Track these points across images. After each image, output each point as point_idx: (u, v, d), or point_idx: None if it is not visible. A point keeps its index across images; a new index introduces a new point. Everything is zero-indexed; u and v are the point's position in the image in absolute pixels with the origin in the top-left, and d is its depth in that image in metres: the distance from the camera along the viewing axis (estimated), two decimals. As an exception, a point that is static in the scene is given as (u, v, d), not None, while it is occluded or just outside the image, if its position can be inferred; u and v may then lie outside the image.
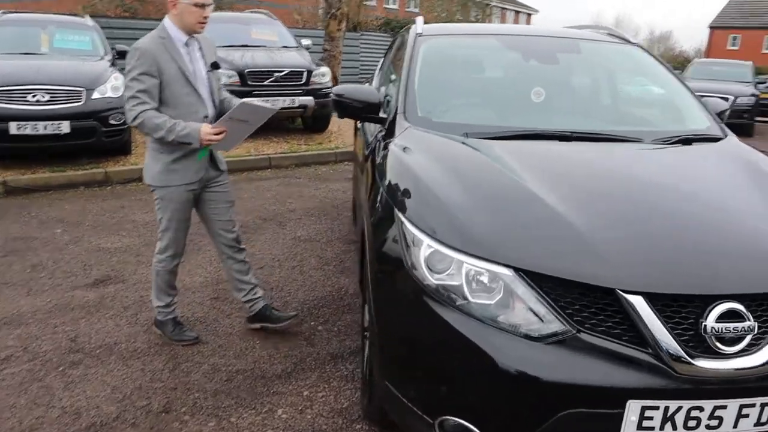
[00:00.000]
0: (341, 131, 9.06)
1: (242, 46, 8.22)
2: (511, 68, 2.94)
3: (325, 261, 4.10)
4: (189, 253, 4.06)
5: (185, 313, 3.25)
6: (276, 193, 5.89)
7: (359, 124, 3.47)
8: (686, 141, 2.45)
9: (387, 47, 4.72)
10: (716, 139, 2.52)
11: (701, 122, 2.66)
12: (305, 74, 7.89)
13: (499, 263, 1.63)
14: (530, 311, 1.58)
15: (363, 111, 2.77)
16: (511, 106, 2.72)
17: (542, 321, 1.57)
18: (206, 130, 2.58)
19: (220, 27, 8.54)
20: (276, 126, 8.88)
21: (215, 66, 2.82)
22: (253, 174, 6.72)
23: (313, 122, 8.56)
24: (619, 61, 3.06)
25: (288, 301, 3.44)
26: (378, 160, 2.48)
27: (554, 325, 1.56)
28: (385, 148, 2.46)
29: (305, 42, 9.24)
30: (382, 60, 4.70)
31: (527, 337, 1.57)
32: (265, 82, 7.56)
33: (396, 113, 2.64)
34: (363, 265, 2.68)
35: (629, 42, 3.17)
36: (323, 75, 8.16)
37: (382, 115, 2.77)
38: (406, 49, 3.05)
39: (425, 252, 1.74)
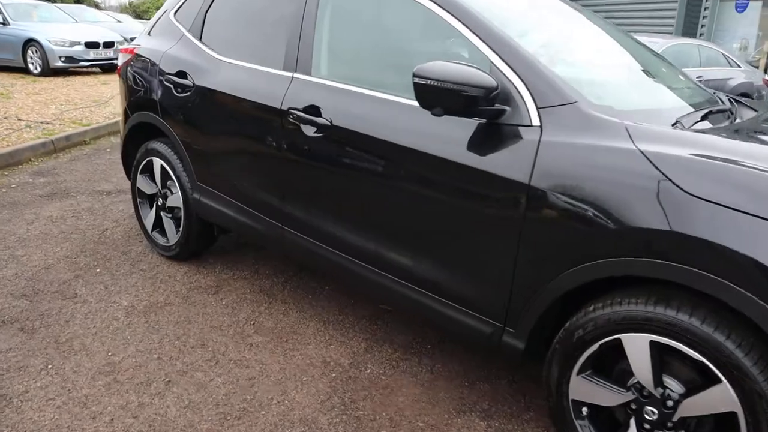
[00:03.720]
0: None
1: None
2: (564, 29, 2.37)
3: (234, 328, 2.70)
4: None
5: None
6: (-30, 247, 3.50)
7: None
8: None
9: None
10: None
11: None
12: None
13: None
14: None
15: (479, 103, 1.81)
16: (624, 78, 2.21)
17: None
18: None
19: None
20: None
21: None
22: None
23: None
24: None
25: (305, 417, 2.14)
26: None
27: None
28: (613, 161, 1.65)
29: None
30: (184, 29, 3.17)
31: None
32: None
33: (541, 105, 1.81)
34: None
35: None
36: None
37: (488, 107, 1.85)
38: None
39: None
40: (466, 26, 2.02)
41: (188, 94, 2.92)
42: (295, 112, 2.40)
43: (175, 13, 3.22)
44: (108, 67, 12.20)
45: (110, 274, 3.21)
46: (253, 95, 2.60)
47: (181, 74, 2.96)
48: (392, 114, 2.13)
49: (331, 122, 2.29)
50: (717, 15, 12.45)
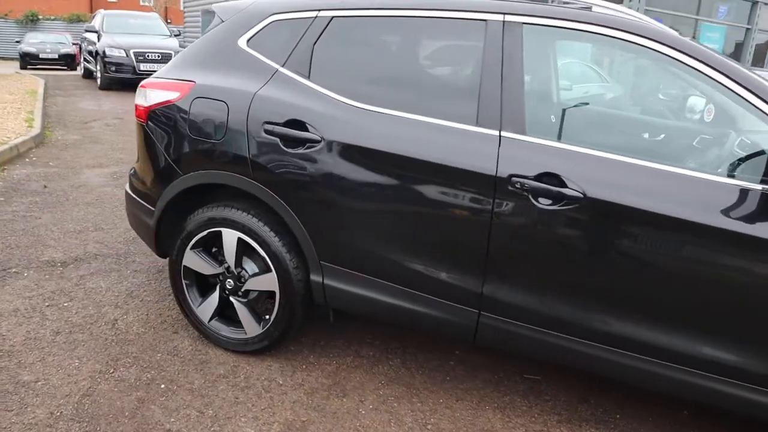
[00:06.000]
0: None
1: None
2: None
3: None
4: None
5: None
6: None
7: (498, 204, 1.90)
8: None
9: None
10: None
11: None
12: None
13: None
14: None
15: None
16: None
17: None
18: None
19: None
20: None
21: None
22: None
23: None
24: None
25: None
26: None
27: None
28: None
29: None
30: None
31: None
32: None
33: None
34: None
35: None
36: None
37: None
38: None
39: None
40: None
41: (311, 150, 2.29)
42: (523, 180, 2.00)
43: (249, 40, 2.51)
44: None
45: (186, 390, 2.41)
46: (438, 156, 2.12)
47: (296, 124, 2.31)
48: (676, 187, 1.90)
49: (584, 194, 1.94)
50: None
